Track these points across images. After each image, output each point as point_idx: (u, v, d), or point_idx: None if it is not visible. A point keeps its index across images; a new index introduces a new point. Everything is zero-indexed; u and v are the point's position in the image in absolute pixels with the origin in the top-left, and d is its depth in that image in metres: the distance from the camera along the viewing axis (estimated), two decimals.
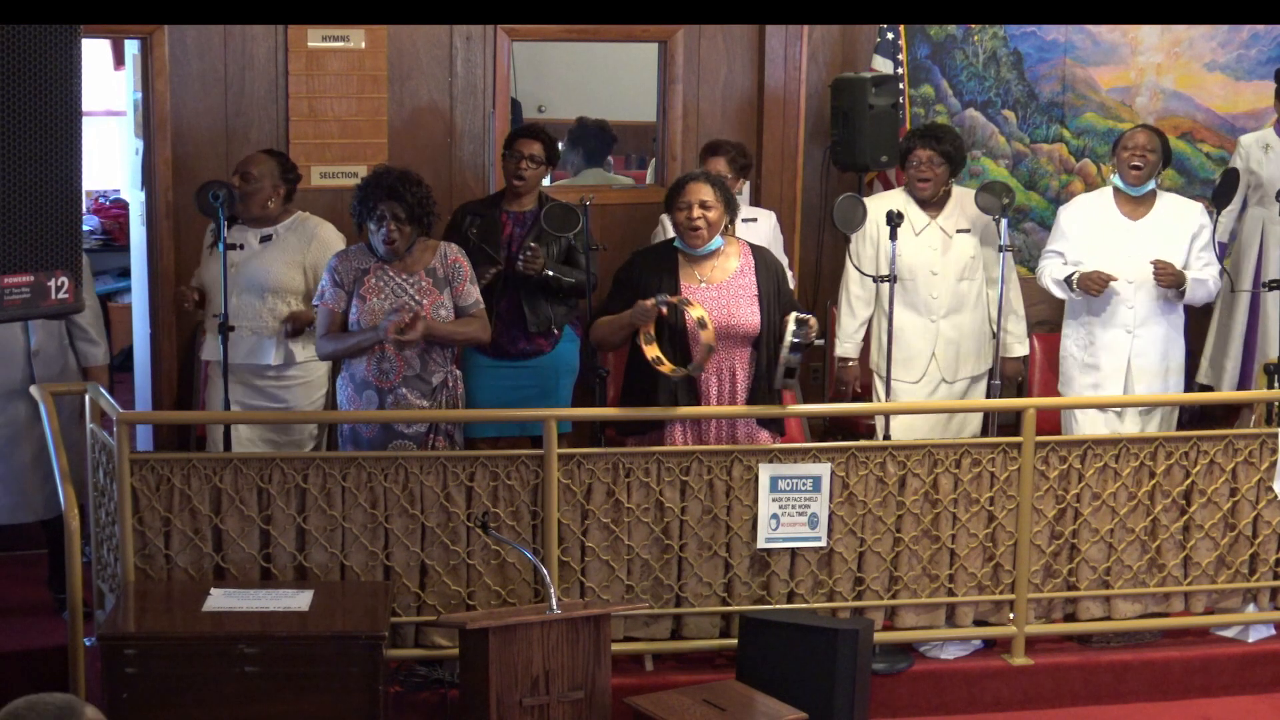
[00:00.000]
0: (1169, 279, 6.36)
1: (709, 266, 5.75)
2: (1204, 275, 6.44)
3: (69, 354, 6.18)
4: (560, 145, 8.11)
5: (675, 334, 5.63)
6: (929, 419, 6.52)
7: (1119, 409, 6.47)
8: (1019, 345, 6.71)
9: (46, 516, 6.13)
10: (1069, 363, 6.60)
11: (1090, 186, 7.61)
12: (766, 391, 5.67)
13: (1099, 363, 6.49)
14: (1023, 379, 7.07)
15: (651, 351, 5.56)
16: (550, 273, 6.32)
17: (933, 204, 6.58)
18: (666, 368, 5.57)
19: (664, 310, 5.57)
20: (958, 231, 6.56)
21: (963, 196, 6.63)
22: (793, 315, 5.54)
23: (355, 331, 5.64)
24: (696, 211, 5.65)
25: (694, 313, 5.50)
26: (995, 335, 6.53)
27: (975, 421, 6.71)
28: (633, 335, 5.65)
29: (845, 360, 6.69)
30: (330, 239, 6.21)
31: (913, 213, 6.54)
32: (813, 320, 5.55)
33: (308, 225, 6.24)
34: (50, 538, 6.19)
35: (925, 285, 6.53)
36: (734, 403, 5.69)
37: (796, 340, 5.50)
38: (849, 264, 6.67)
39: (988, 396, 6.55)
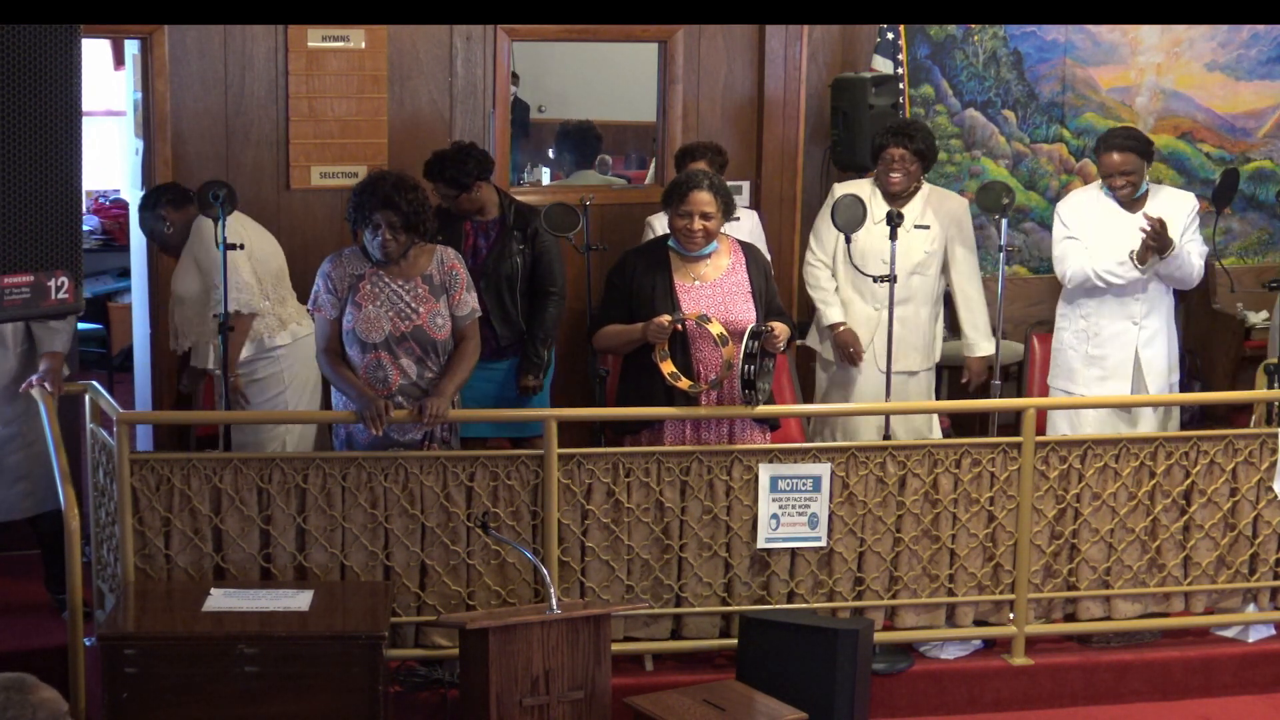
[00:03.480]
0: (1160, 238, 6.23)
1: (703, 265, 5.76)
2: (1189, 248, 6.42)
3: (31, 365, 6.07)
4: (550, 151, 8.12)
5: (681, 345, 5.63)
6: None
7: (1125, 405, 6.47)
8: (984, 343, 6.62)
9: (23, 515, 6.12)
10: (1069, 355, 6.58)
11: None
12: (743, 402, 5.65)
13: (1105, 355, 6.48)
14: (1019, 375, 7.07)
15: (668, 368, 5.56)
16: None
17: (899, 198, 6.56)
18: (684, 384, 5.57)
19: (679, 327, 5.57)
20: (915, 227, 6.52)
21: (930, 194, 6.61)
22: (749, 328, 5.53)
23: (354, 381, 5.53)
24: (698, 224, 5.66)
25: (713, 329, 5.51)
26: (999, 332, 6.52)
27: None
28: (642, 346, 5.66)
29: (835, 325, 6.58)
30: (203, 225, 6.17)
31: (876, 203, 6.51)
32: (776, 328, 5.54)
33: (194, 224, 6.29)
34: (40, 538, 6.19)
35: (873, 274, 6.49)
36: (732, 399, 5.69)
37: (750, 351, 5.49)
38: (812, 242, 6.67)
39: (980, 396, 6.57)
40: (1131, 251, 6.31)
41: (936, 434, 6.64)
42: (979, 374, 6.69)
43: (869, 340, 6.55)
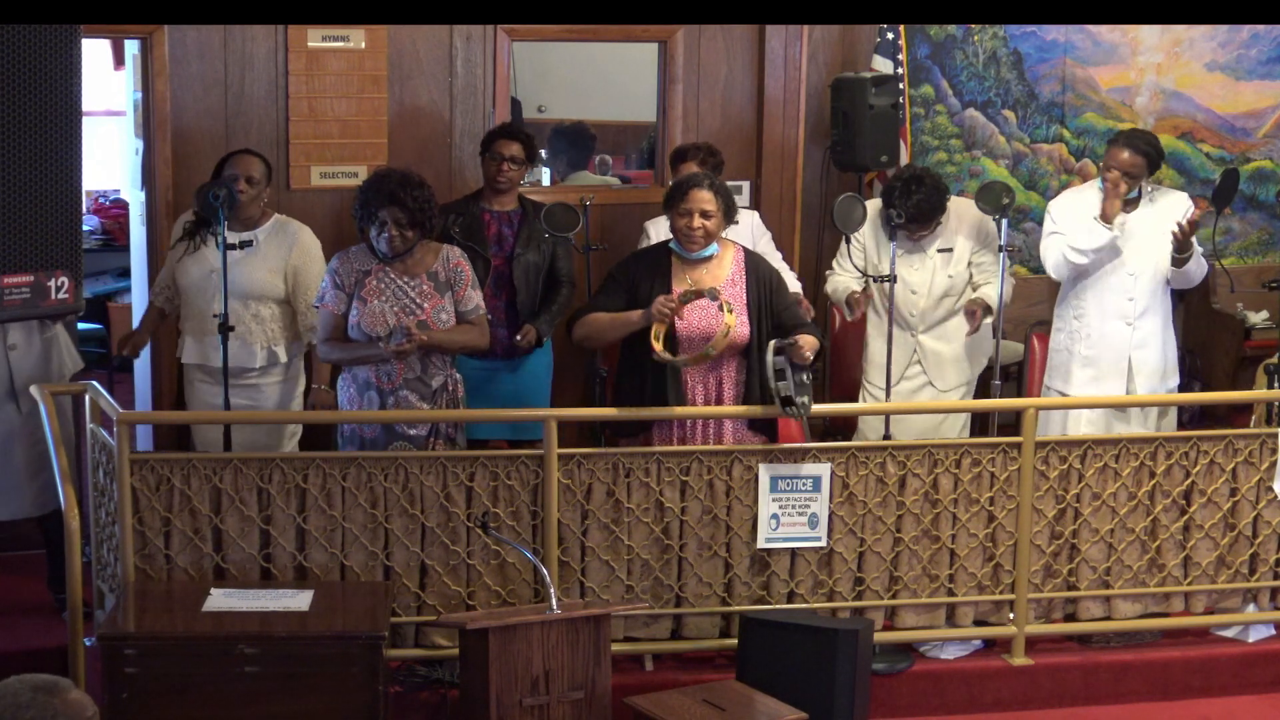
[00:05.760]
0: (1185, 238, 6.21)
1: (702, 271, 5.75)
2: (1197, 250, 6.43)
3: (52, 350, 6.12)
4: (543, 152, 8.12)
5: (671, 334, 5.63)
6: (922, 421, 6.51)
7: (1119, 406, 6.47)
8: (990, 294, 6.44)
9: (34, 514, 6.13)
10: (1063, 356, 6.58)
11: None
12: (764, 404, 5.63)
13: (1098, 356, 6.49)
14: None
15: (659, 346, 5.52)
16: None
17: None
18: (671, 357, 5.53)
19: (682, 315, 5.54)
20: (939, 251, 6.52)
21: (950, 213, 6.53)
22: (771, 344, 5.49)
23: (362, 344, 5.62)
24: (697, 221, 5.65)
25: (722, 299, 5.49)
26: (999, 332, 6.51)
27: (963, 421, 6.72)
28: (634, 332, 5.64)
29: (853, 294, 6.46)
30: (309, 242, 6.24)
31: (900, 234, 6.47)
32: (800, 340, 5.47)
33: (289, 229, 6.24)
34: (47, 537, 6.19)
35: (905, 303, 6.48)
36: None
37: (779, 368, 5.44)
38: (842, 252, 6.64)
39: (984, 396, 6.56)
40: (1095, 215, 6.31)
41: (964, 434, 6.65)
42: (974, 304, 6.43)
43: (908, 363, 6.53)
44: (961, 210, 6.56)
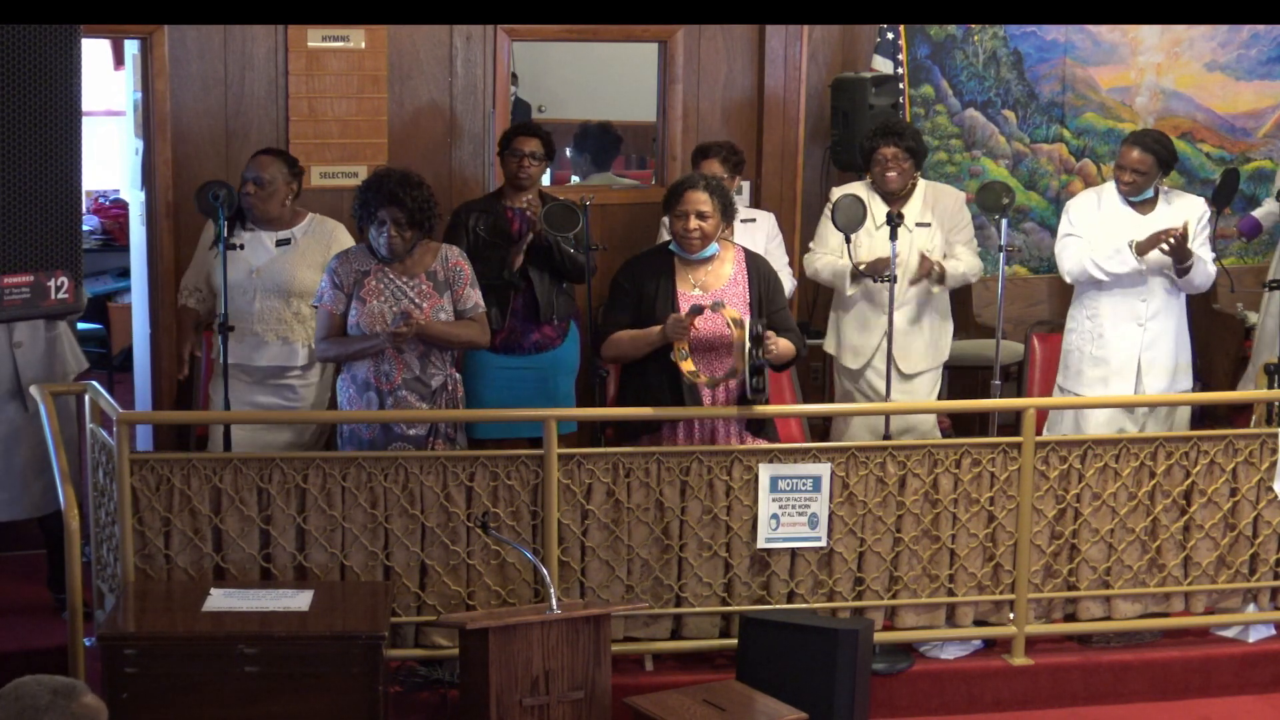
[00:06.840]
0: (1180, 250, 6.25)
1: (704, 271, 5.75)
2: (1205, 255, 6.44)
3: (57, 349, 6.13)
4: (568, 150, 8.10)
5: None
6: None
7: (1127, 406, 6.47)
8: (952, 264, 6.50)
9: (36, 514, 6.13)
10: (1075, 356, 6.58)
11: (1090, 187, 7.60)
12: (749, 402, 5.62)
13: (1108, 356, 6.48)
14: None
15: (688, 366, 5.53)
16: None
17: (897, 197, 6.57)
18: (703, 379, 5.56)
19: (694, 326, 5.53)
20: (917, 225, 6.54)
21: (927, 190, 6.62)
22: (748, 326, 5.46)
23: (358, 337, 5.63)
24: (693, 223, 5.65)
25: (728, 314, 5.50)
26: (999, 332, 6.52)
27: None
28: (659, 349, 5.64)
29: (859, 264, 6.41)
30: (346, 240, 6.22)
31: (875, 206, 6.51)
32: (780, 343, 5.54)
33: (325, 227, 6.24)
34: (48, 537, 6.19)
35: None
36: (727, 403, 5.68)
37: (755, 363, 5.42)
38: (813, 245, 6.69)
39: (979, 396, 6.57)
40: (1131, 241, 6.32)
41: (934, 434, 6.65)
42: (924, 267, 6.48)
43: (875, 342, 6.54)
44: (939, 193, 6.60)
